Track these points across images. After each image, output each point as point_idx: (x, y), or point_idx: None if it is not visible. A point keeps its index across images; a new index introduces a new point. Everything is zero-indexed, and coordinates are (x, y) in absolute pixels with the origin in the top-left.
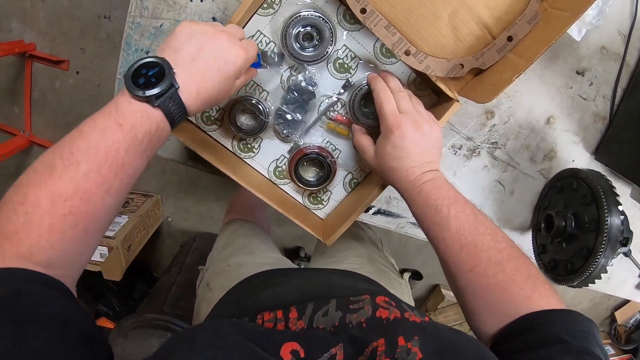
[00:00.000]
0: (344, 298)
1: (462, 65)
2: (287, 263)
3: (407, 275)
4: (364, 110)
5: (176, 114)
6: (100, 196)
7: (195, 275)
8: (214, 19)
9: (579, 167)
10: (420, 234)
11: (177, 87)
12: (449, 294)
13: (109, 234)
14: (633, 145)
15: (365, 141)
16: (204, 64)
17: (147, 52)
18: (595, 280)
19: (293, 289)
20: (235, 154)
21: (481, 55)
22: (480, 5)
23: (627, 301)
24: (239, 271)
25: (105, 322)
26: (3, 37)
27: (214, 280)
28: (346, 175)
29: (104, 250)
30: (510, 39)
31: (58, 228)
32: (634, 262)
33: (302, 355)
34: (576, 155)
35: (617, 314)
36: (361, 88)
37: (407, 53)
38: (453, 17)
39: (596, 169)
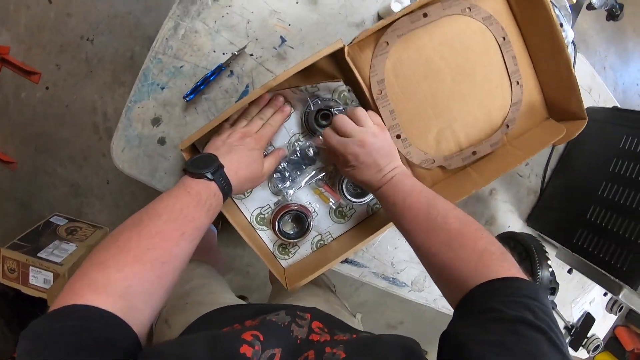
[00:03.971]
0: (292, 310)
1: (434, 161)
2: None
3: (359, 315)
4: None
5: (225, 186)
6: (176, 239)
7: None
8: (231, 72)
9: (515, 231)
10: (378, 283)
11: (223, 166)
12: None
13: (57, 260)
14: (558, 213)
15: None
16: (236, 157)
17: (162, 88)
18: None
19: (251, 311)
20: None
21: (450, 158)
22: (462, 132)
23: None
24: (199, 309)
25: None
26: None
27: (173, 318)
28: (316, 236)
29: (49, 276)
30: (474, 153)
31: (141, 258)
32: (558, 315)
33: (261, 339)
34: (512, 221)
35: None
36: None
37: (398, 137)
38: (439, 134)
39: (528, 233)
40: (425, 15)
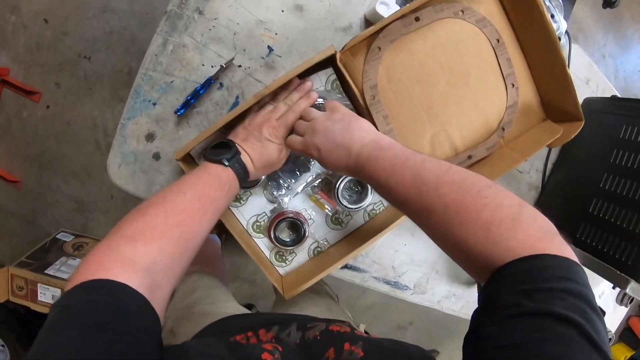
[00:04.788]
0: (302, 322)
1: None
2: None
3: (363, 326)
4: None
5: (241, 172)
6: (199, 217)
7: None
8: (221, 85)
9: None
10: (380, 288)
11: (240, 153)
12: None
13: (64, 276)
14: (560, 208)
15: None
16: (251, 145)
17: (154, 104)
18: None
19: (260, 320)
20: None
21: None
22: (457, 135)
23: None
24: (204, 319)
25: None
26: None
27: (178, 327)
28: (312, 243)
29: (57, 292)
30: (469, 157)
31: (167, 234)
32: None
33: (280, 349)
34: None
35: None
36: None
37: None
38: (434, 138)
39: None
40: (417, 19)
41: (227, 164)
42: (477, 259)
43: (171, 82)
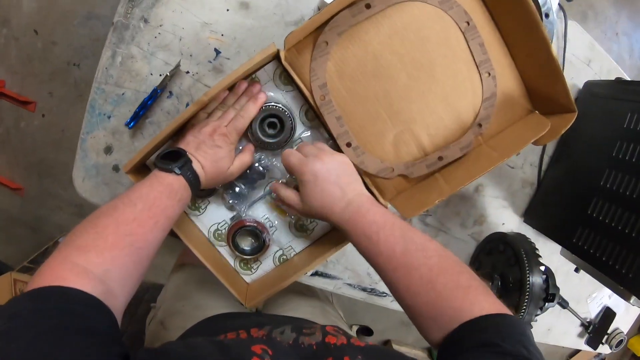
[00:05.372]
0: (298, 324)
1: (393, 169)
2: (242, 308)
3: (355, 327)
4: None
5: (193, 180)
6: (150, 226)
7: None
8: (170, 93)
9: (506, 231)
10: (356, 295)
11: (191, 160)
12: (400, 349)
13: None
14: (555, 208)
15: (289, 192)
16: (203, 153)
17: (108, 117)
18: None
19: (253, 321)
20: None
21: (412, 166)
22: (423, 133)
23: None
24: (196, 312)
25: None
26: None
27: (169, 320)
28: (277, 251)
29: None
30: (440, 158)
31: (119, 244)
32: (572, 313)
33: (270, 353)
34: (506, 218)
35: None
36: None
37: (348, 145)
38: (397, 138)
39: (525, 231)
40: (368, 6)
41: (178, 172)
42: (448, 315)
43: (122, 94)
